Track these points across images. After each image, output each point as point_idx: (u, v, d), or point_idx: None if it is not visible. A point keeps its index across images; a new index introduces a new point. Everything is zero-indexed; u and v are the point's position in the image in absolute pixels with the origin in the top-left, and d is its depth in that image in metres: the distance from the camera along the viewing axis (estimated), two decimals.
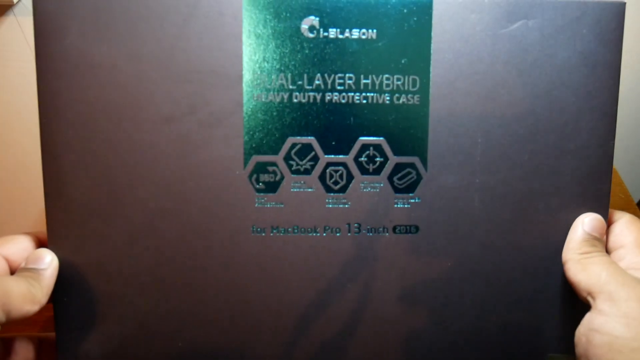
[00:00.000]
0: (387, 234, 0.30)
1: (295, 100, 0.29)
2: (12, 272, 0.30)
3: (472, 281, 0.31)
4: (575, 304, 0.30)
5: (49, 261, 0.29)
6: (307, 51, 0.29)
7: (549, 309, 0.31)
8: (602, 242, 0.29)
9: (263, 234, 0.30)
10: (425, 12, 0.29)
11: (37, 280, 0.28)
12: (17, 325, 0.28)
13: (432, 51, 0.29)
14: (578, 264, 0.28)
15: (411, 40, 0.29)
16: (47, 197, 0.29)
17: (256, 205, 0.30)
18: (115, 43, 0.28)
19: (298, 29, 0.29)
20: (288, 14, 0.28)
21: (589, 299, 0.27)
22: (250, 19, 0.28)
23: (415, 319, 0.31)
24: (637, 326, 0.25)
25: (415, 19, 0.29)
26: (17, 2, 0.47)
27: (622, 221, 0.31)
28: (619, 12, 0.29)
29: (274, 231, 0.30)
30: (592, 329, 0.27)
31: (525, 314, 0.31)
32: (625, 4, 0.29)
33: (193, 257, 0.30)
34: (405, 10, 0.29)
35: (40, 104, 0.29)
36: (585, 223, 0.30)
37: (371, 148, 0.30)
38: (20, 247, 0.30)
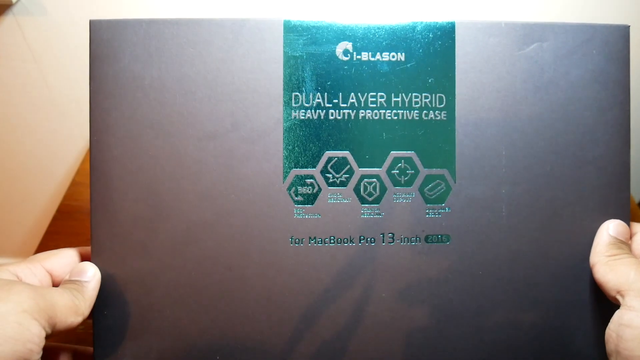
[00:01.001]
0: (419, 243, 0.31)
1: (331, 118, 0.31)
2: (55, 285, 0.30)
3: (503, 289, 0.32)
4: (604, 309, 0.31)
5: (92, 274, 0.30)
6: (341, 72, 0.31)
7: (579, 315, 0.32)
8: (628, 246, 0.31)
9: (301, 245, 0.31)
10: (448, 37, 0.31)
11: (80, 292, 0.29)
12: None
13: (456, 71, 0.31)
14: (606, 266, 0.30)
15: (437, 62, 0.31)
16: (93, 211, 0.31)
17: (295, 216, 0.31)
18: (164, 66, 0.30)
19: (333, 52, 0.31)
20: (324, 39, 0.31)
21: (618, 297, 0.28)
22: (290, 44, 0.31)
23: (449, 328, 0.32)
24: None
25: (439, 42, 0.31)
26: (16, 2, 0.47)
27: None
28: (625, 34, 0.32)
29: (312, 241, 0.31)
30: (622, 324, 0.27)
31: (555, 321, 0.32)
32: (629, 26, 0.32)
33: (232, 269, 0.31)
34: (430, 35, 0.31)
35: (91, 122, 0.30)
36: (610, 228, 0.31)
37: (402, 161, 0.31)
38: (63, 261, 0.31)
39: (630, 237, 0.32)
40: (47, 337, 0.27)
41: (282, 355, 0.31)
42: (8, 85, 0.43)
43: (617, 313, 0.28)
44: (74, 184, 0.48)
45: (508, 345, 0.32)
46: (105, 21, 0.30)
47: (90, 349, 0.31)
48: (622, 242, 0.31)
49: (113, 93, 0.30)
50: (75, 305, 0.28)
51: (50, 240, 0.47)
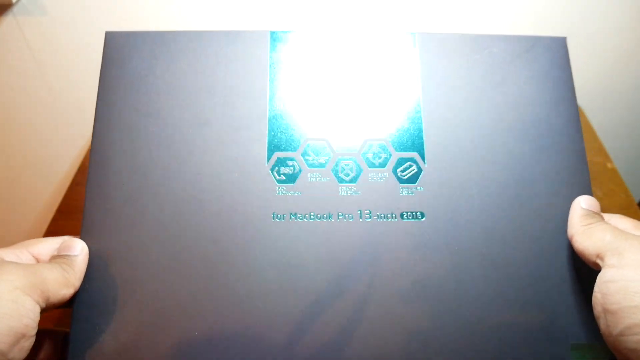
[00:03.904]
0: (395, 219, 0.33)
1: (310, 110, 0.35)
2: None
3: (480, 264, 0.32)
4: (583, 282, 0.32)
5: (80, 248, 0.31)
6: (322, 70, 0.36)
7: (558, 289, 0.32)
8: (601, 216, 0.32)
9: (282, 220, 0.33)
10: (410, 46, 0.37)
11: (69, 266, 0.30)
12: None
13: (420, 71, 0.36)
14: (583, 235, 0.31)
15: (402, 65, 0.36)
16: (88, 189, 0.33)
17: (277, 194, 0.33)
18: (167, 66, 0.35)
19: (315, 58, 0.36)
20: (307, 47, 0.36)
21: (598, 260, 0.29)
22: (276, 51, 0.36)
23: (425, 301, 0.32)
24: None
25: (403, 49, 0.37)
26: (16, 2, 0.47)
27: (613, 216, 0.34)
28: (563, 44, 0.37)
29: (292, 217, 0.33)
30: (604, 281, 0.27)
31: (536, 296, 0.32)
32: (565, 38, 0.37)
33: (216, 242, 0.32)
34: (394, 44, 0.37)
35: (97, 111, 0.34)
36: (582, 202, 0.33)
37: (376, 146, 0.34)
38: (49, 246, 0.32)
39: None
40: (43, 311, 0.28)
41: (263, 328, 0.31)
42: (8, 85, 0.43)
43: (599, 275, 0.28)
44: (74, 184, 0.50)
45: (487, 319, 0.31)
46: (118, 32, 0.36)
47: None
48: (594, 212, 0.32)
49: (119, 87, 0.35)
50: (65, 278, 0.29)
51: None
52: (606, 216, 0.34)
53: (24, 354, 0.26)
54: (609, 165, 0.50)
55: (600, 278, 0.28)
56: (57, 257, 0.31)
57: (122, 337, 0.30)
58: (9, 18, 0.46)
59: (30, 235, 0.59)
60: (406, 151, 0.34)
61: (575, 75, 0.37)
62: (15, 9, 0.46)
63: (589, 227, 0.31)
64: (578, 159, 0.34)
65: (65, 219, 0.46)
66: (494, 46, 0.37)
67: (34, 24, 0.45)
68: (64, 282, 0.29)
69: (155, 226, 0.32)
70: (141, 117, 0.34)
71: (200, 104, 0.35)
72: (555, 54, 0.37)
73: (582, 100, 0.58)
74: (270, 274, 0.32)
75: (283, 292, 0.32)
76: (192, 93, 0.35)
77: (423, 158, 0.34)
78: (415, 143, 0.35)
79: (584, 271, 0.32)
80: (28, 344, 0.26)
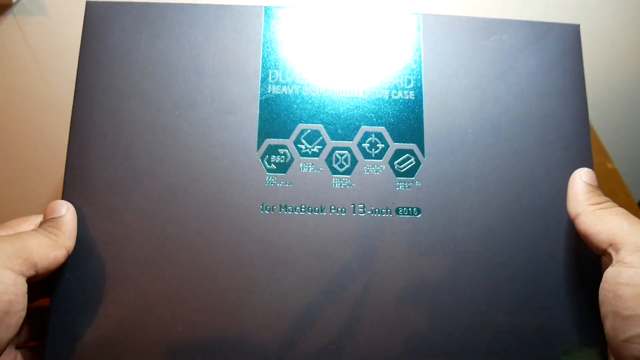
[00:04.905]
0: (390, 215, 0.31)
1: (305, 94, 0.33)
2: None
3: (476, 262, 0.31)
4: (584, 281, 0.31)
5: (65, 208, 0.30)
6: (318, 52, 0.34)
7: (557, 290, 0.31)
8: (601, 191, 0.30)
9: (272, 212, 0.31)
10: (413, 28, 0.34)
11: (56, 227, 0.29)
12: None
13: (422, 58, 0.34)
14: (593, 216, 0.28)
15: (404, 49, 0.34)
16: (67, 172, 0.31)
17: (266, 184, 0.31)
18: (151, 42, 0.33)
19: (310, 35, 0.34)
20: (302, 24, 0.34)
21: (610, 250, 0.26)
22: (269, 28, 0.34)
23: (420, 300, 0.30)
24: None
25: (405, 33, 0.34)
26: (17, 2, 0.46)
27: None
28: (576, 31, 0.35)
29: (283, 209, 0.31)
30: (619, 282, 0.25)
31: (532, 298, 0.31)
32: (579, 25, 0.35)
33: (202, 234, 0.31)
34: (396, 27, 0.34)
35: (76, 88, 0.32)
36: (583, 176, 0.30)
37: (373, 135, 0.33)
38: (35, 222, 0.30)
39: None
40: (33, 277, 0.26)
41: (249, 325, 0.30)
42: (8, 85, 0.43)
43: (611, 271, 0.26)
44: None
45: (482, 315, 0.30)
46: (101, 2, 0.33)
47: None
48: (597, 188, 0.30)
49: (100, 64, 0.32)
50: (52, 240, 0.28)
51: None
52: None
53: (12, 331, 0.25)
54: (609, 165, 0.49)
55: (613, 276, 0.26)
56: (43, 223, 0.29)
57: (103, 330, 0.29)
58: (9, 18, 0.46)
59: None
60: (404, 142, 0.33)
61: None
62: (15, 9, 0.46)
63: (599, 207, 0.28)
64: (583, 157, 0.33)
65: None
66: (504, 32, 0.34)
67: (34, 24, 0.45)
68: (51, 244, 0.27)
69: (138, 216, 0.31)
70: (123, 98, 0.32)
71: (187, 84, 0.32)
72: (567, 42, 0.35)
73: None
74: (258, 268, 0.30)
75: (271, 288, 0.30)
76: (178, 72, 0.33)
77: (422, 150, 0.32)
78: (414, 133, 0.33)
79: (585, 274, 0.31)
80: (15, 320, 0.25)
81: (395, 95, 0.33)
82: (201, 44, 0.33)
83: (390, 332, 0.30)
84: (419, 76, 0.34)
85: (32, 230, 0.28)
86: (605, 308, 0.26)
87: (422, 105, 0.33)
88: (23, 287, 0.25)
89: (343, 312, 0.30)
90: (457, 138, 0.33)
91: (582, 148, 0.33)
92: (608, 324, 0.26)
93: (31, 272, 0.26)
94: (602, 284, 0.27)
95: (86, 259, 0.30)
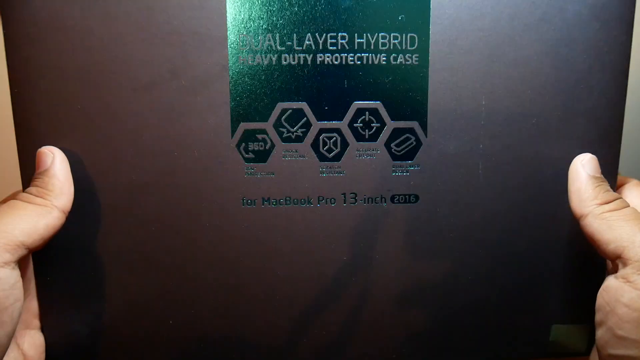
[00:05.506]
0: (385, 204, 0.29)
1: (284, 63, 0.27)
2: None
3: (476, 252, 0.29)
4: (588, 277, 0.29)
5: (51, 158, 0.26)
6: (296, 9, 0.27)
7: (555, 278, 0.29)
8: (607, 182, 0.27)
9: (254, 206, 0.28)
10: None
11: (43, 186, 0.25)
12: None
13: (431, 6, 0.27)
14: (601, 221, 0.25)
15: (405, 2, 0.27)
16: (22, 174, 0.28)
17: (245, 175, 0.28)
18: (87, 3, 0.26)
19: None
20: None
21: (618, 262, 0.24)
22: None
23: (417, 293, 0.30)
24: None
25: None
26: None
27: (631, 184, 0.29)
28: None
29: (265, 203, 0.28)
30: (619, 300, 0.24)
31: (530, 285, 0.30)
32: None
33: (181, 232, 0.28)
34: None
35: (10, 72, 0.26)
36: (586, 165, 0.27)
37: (367, 113, 0.28)
38: None
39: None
40: (27, 254, 0.24)
41: (233, 317, 0.30)
42: (8, 85, 0.37)
43: (614, 283, 0.24)
44: None
45: (479, 308, 0.30)
46: None
47: None
48: (603, 180, 0.27)
49: (31, 38, 0.26)
50: (37, 206, 0.25)
51: None
52: (621, 178, 0.29)
53: (8, 326, 0.23)
54: None
55: (615, 289, 0.24)
56: (32, 181, 0.26)
57: (96, 328, 0.29)
58: None
59: None
60: (404, 120, 0.28)
61: None
62: None
63: (609, 210, 0.25)
64: (613, 130, 0.28)
65: None
66: None
67: None
68: (38, 211, 0.24)
69: (108, 216, 0.28)
70: (66, 79, 0.26)
71: (139, 58, 0.26)
72: None
73: None
74: (243, 266, 0.29)
75: (257, 286, 0.29)
76: (129, 43, 0.26)
77: (424, 129, 0.28)
78: (416, 109, 0.28)
79: (589, 272, 0.29)
80: (8, 315, 0.23)
81: (395, 60, 0.27)
82: (150, 3, 0.26)
83: (388, 330, 0.30)
84: (425, 34, 0.27)
85: (11, 200, 0.25)
86: (600, 316, 0.25)
87: (427, 72, 0.27)
88: (10, 277, 0.23)
89: (337, 309, 0.29)
90: (467, 112, 0.28)
91: (613, 119, 0.28)
92: (600, 332, 0.25)
93: (20, 253, 0.23)
94: (602, 291, 0.25)
95: (64, 261, 0.28)
